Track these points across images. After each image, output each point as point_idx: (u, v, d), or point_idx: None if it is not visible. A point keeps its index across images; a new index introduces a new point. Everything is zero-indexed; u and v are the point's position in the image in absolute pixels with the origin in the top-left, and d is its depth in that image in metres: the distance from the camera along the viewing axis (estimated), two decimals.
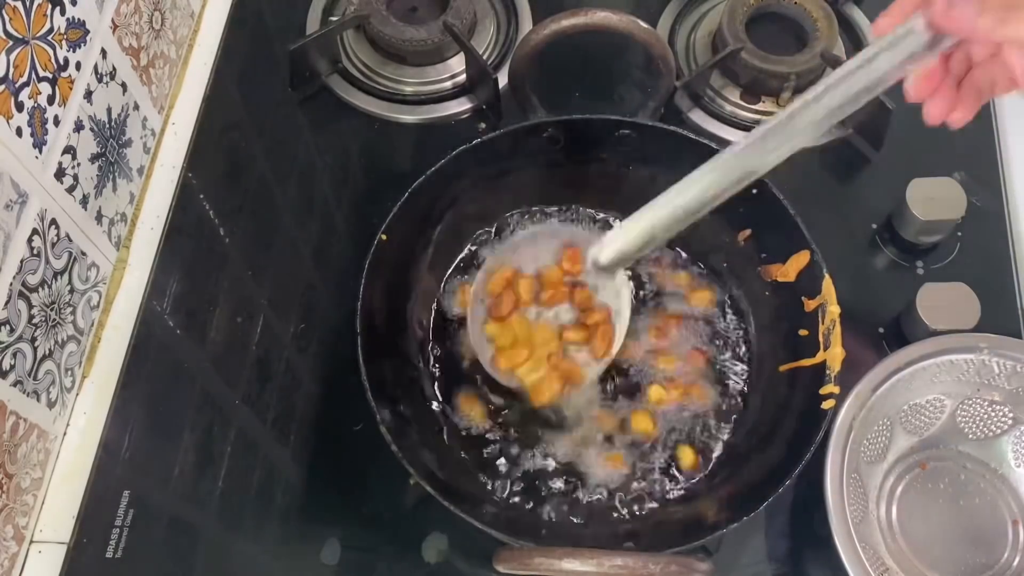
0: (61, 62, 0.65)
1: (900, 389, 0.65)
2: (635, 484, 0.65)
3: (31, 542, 0.66)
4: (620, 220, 0.61)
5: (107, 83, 0.72)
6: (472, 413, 0.68)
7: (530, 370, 0.64)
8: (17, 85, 0.60)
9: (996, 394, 0.66)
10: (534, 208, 0.75)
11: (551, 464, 0.66)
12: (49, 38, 0.63)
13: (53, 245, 0.65)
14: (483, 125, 0.84)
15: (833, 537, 0.58)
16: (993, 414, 0.67)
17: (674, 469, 0.66)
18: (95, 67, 0.70)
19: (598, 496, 0.65)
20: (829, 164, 0.81)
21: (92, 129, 0.70)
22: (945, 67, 0.49)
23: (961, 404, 0.67)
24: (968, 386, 0.66)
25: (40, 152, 0.63)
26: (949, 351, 0.64)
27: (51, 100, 0.64)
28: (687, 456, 0.66)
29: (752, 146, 0.53)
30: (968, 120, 0.49)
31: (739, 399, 0.68)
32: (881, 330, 0.72)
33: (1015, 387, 0.65)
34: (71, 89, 0.67)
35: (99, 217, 0.72)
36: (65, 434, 0.69)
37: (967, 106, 0.49)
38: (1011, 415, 0.66)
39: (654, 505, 0.64)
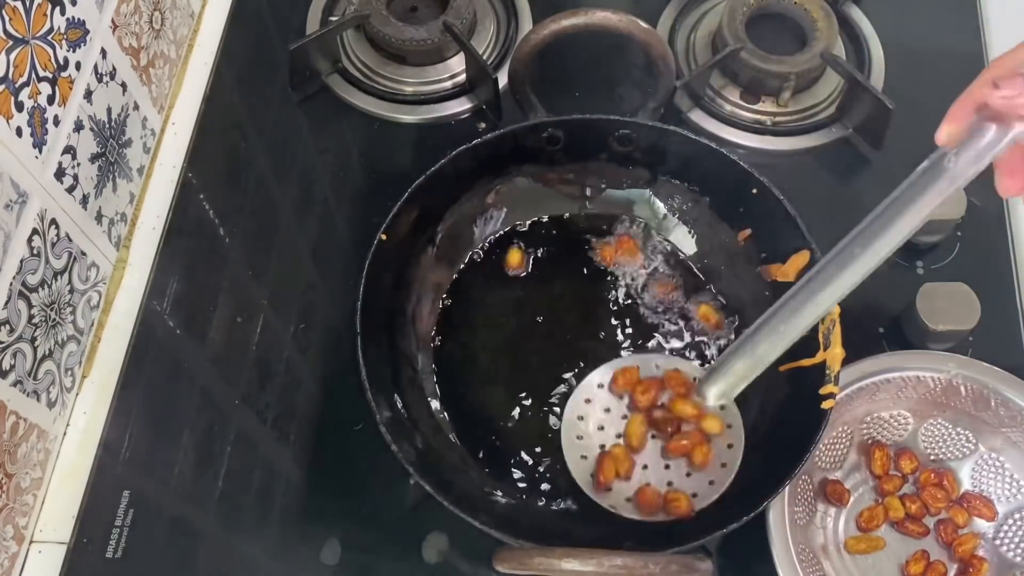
0: (61, 62, 0.65)
1: (863, 398, 0.64)
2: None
3: (31, 542, 0.66)
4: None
5: (107, 83, 0.72)
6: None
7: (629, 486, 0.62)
8: (17, 85, 0.60)
9: (960, 417, 0.65)
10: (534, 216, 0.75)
11: (552, 463, 0.66)
12: (49, 38, 0.63)
13: (53, 245, 0.65)
14: (483, 125, 0.84)
15: (769, 535, 0.59)
16: (956, 438, 0.66)
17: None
18: (95, 67, 0.70)
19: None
20: (829, 164, 0.81)
21: (92, 129, 0.70)
22: None
23: (924, 424, 0.66)
24: (933, 406, 0.65)
25: (40, 152, 0.63)
26: (917, 367, 0.63)
27: (51, 100, 0.64)
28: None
29: (857, 238, 0.54)
30: None
31: (738, 399, 0.68)
32: (881, 330, 0.72)
33: (979, 413, 0.64)
34: (71, 89, 0.67)
35: (99, 217, 0.72)
36: (65, 434, 0.70)
37: None
38: (973, 440, 0.65)
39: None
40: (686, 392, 0.63)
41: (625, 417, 0.63)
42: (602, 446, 0.63)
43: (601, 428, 0.63)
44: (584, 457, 0.62)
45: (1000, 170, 0.49)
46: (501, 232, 0.75)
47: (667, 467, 0.62)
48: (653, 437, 0.63)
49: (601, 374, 0.64)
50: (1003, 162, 0.48)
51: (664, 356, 0.65)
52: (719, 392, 0.62)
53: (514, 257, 0.73)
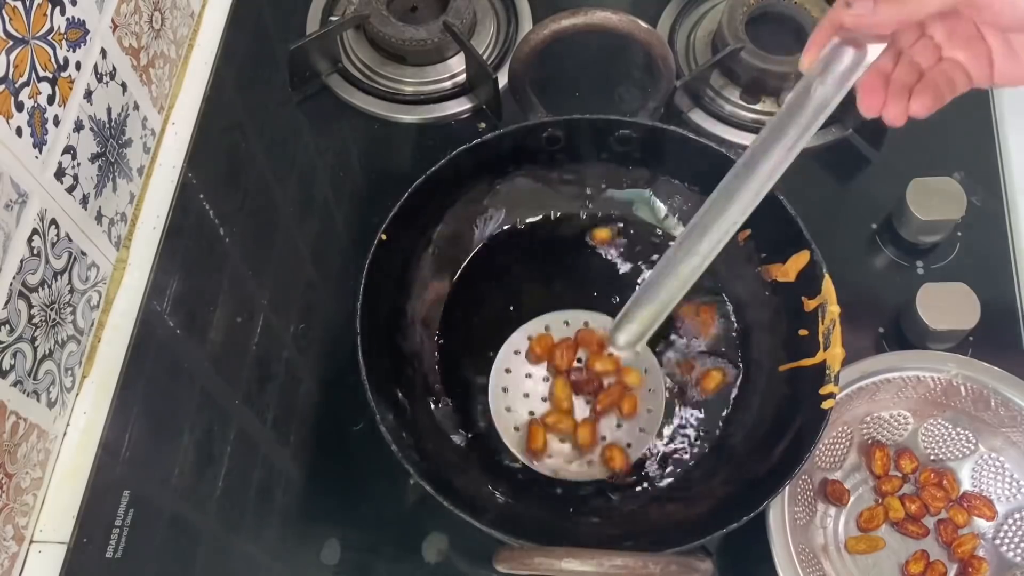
0: (61, 62, 0.65)
1: (863, 398, 0.64)
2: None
3: (31, 542, 0.66)
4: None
5: (107, 83, 0.72)
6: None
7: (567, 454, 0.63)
8: (17, 85, 0.60)
9: (960, 417, 0.65)
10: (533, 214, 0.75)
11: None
12: (49, 38, 0.63)
13: (53, 245, 0.65)
14: (483, 125, 0.84)
15: (769, 535, 0.59)
16: (956, 438, 0.66)
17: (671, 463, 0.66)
18: (95, 67, 0.70)
19: (600, 496, 0.65)
20: (829, 164, 0.81)
21: (92, 129, 0.70)
22: (886, 80, 0.51)
23: (924, 424, 0.66)
24: (933, 406, 0.65)
25: (40, 152, 0.63)
26: (917, 367, 0.63)
27: (51, 100, 0.64)
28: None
29: (740, 171, 0.55)
30: (927, 112, 0.50)
31: (738, 399, 0.68)
32: (881, 330, 0.72)
33: (979, 413, 0.64)
34: (71, 89, 0.67)
35: (99, 217, 0.72)
36: (65, 434, 0.70)
37: (923, 101, 0.50)
38: (973, 440, 0.65)
39: (652, 503, 0.65)
40: (600, 348, 0.64)
41: (547, 379, 0.64)
42: (531, 413, 0.64)
43: (526, 396, 0.64)
44: (516, 429, 0.63)
45: (860, 90, 0.51)
46: (501, 232, 0.75)
47: (595, 421, 0.64)
48: (577, 396, 0.64)
49: (516, 342, 0.65)
50: (862, 82, 0.50)
51: (571, 311, 0.66)
52: (630, 338, 0.63)
53: (602, 234, 0.73)
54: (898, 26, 0.47)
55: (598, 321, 0.65)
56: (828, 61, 0.50)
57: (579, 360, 0.65)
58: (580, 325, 0.65)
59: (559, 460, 0.63)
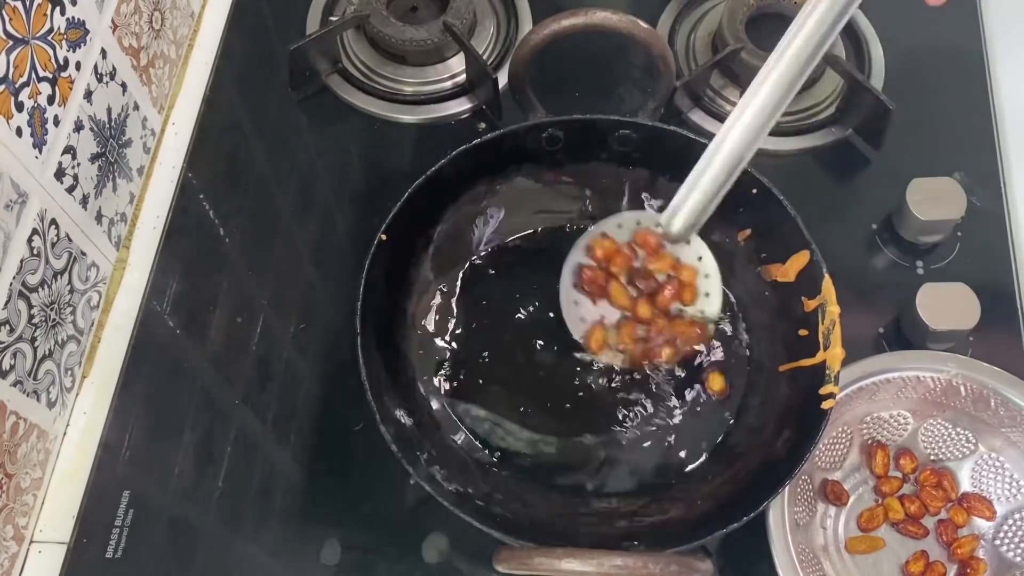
0: (61, 62, 0.65)
1: (863, 398, 0.64)
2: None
3: (31, 542, 0.66)
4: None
5: (107, 83, 0.72)
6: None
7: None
8: (17, 85, 0.60)
9: (960, 417, 0.65)
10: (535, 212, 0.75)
11: (553, 461, 0.66)
12: (49, 38, 0.63)
13: (53, 245, 0.65)
14: (483, 125, 0.84)
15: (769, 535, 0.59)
16: (956, 438, 0.66)
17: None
18: (95, 67, 0.70)
19: (602, 499, 0.65)
20: (829, 164, 0.81)
21: (92, 129, 0.70)
22: None
23: (924, 424, 0.66)
24: (933, 406, 0.65)
25: (40, 152, 0.63)
26: (917, 367, 0.63)
27: (51, 100, 0.64)
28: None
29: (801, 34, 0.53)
30: None
31: (739, 399, 0.68)
32: (881, 330, 0.72)
33: (979, 413, 0.64)
34: (71, 89, 0.67)
35: (99, 217, 0.72)
36: (65, 434, 0.70)
37: None
38: (973, 440, 0.65)
39: (652, 503, 0.65)
40: (656, 248, 0.65)
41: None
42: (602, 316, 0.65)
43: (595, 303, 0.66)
44: (583, 320, 0.66)
45: None
46: (500, 232, 0.75)
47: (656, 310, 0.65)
48: (638, 296, 0.65)
49: (579, 255, 0.66)
50: None
51: (623, 214, 0.66)
52: (687, 223, 0.63)
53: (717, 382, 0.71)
54: None
55: (649, 219, 0.65)
56: None
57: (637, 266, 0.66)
58: (633, 226, 0.66)
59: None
